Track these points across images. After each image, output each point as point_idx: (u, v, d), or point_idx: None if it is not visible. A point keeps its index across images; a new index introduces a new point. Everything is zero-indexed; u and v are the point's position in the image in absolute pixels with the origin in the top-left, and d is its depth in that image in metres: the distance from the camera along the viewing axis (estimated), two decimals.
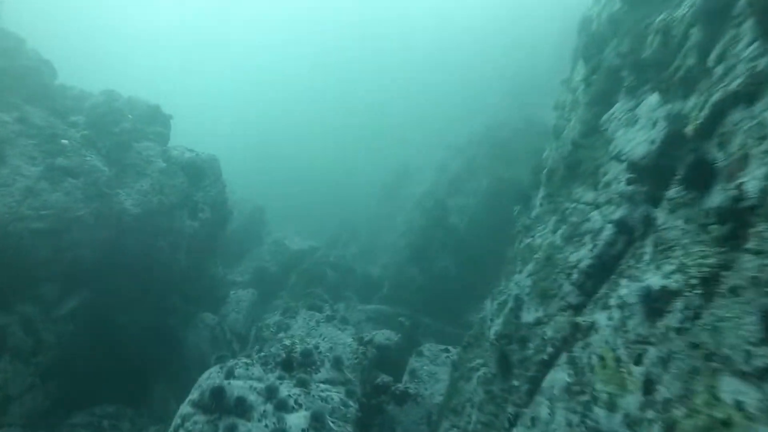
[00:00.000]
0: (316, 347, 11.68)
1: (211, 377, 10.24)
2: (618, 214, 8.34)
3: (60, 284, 15.04)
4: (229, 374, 10.18)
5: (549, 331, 8.97)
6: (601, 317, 7.68)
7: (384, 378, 14.61)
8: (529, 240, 11.87)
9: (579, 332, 8.11)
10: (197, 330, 19.87)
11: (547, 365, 8.69)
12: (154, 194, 17.31)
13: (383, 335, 18.24)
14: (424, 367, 15.94)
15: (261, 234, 32.61)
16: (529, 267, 10.75)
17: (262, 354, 11.03)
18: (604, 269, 8.22)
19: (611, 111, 10.42)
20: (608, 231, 8.44)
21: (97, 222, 15.55)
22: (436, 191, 39.61)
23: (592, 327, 7.80)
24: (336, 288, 27.63)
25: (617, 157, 9.15)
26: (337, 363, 11.20)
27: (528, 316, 9.83)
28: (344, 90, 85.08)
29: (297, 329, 16.21)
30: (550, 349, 8.74)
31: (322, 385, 10.28)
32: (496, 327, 11.29)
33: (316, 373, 10.60)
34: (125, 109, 21.82)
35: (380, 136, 70.89)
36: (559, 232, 10.18)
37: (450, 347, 17.45)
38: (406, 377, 15.72)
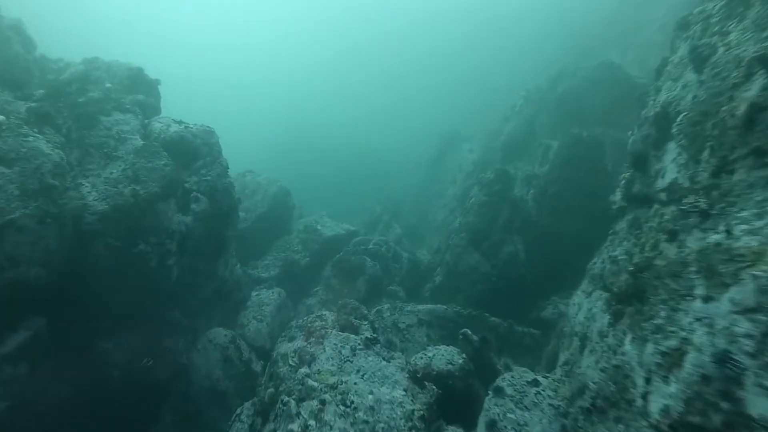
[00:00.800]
0: None
1: None
2: None
3: None
4: None
5: None
6: None
7: None
8: (717, 237, 6.54)
9: None
10: (205, 351, 15.69)
11: None
12: (127, 183, 12.87)
13: (444, 357, 13.44)
14: (509, 415, 11.01)
15: (289, 220, 28.22)
16: (738, 294, 5.56)
17: None
18: None
19: None
20: None
21: (42, 226, 11.25)
22: (488, 159, 34.33)
23: None
24: (377, 282, 22.98)
25: None
26: None
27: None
28: (380, 56, 79.33)
29: (324, 361, 11.55)
30: None
31: None
32: (666, 400, 6.14)
33: None
34: (105, 76, 17.61)
35: (420, 104, 65.17)
36: None
37: (538, 377, 12.39)
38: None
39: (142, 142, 13.93)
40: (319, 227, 27.08)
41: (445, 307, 18.91)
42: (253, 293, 20.86)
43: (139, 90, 16.45)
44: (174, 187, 13.73)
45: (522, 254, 21.61)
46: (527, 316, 20.21)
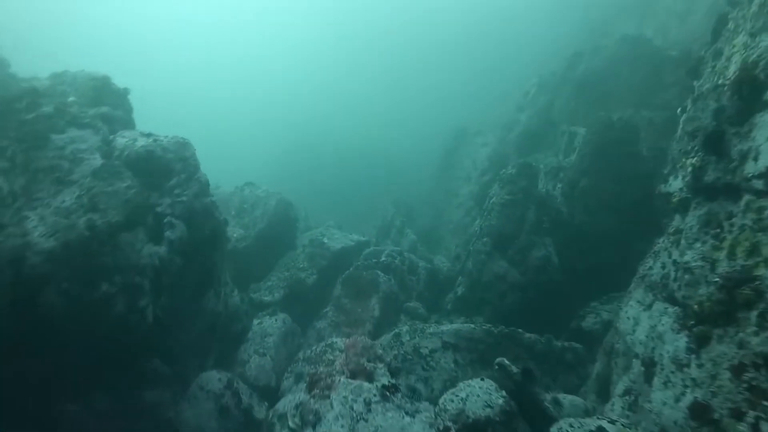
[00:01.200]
0: None
1: None
2: None
3: None
4: None
5: None
6: None
7: None
8: None
9: None
10: (196, 401, 13.36)
11: None
12: (82, 212, 10.61)
13: (480, 398, 10.95)
14: None
15: (293, 234, 25.91)
16: None
17: None
18: None
19: None
20: None
21: None
22: (504, 153, 31.78)
23: None
24: (393, 299, 20.56)
25: None
26: None
27: None
28: (379, 56, 77.03)
29: (332, 421, 9.16)
30: None
31: None
32: None
33: None
34: (69, 90, 15.58)
35: (423, 103, 62.72)
36: None
37: (603, 424, 9.80)
38: None
39: (101, 162, 11.70)
40: (325, 240, 24.71)
41: (472, 325, 16.43)
42: (255, 321, 18.55)
43: (105, 102, 14.29)
44: (141, 213, 11.45)
45: (554, 258, 19.07)
46: (566, 327, 17.78)
